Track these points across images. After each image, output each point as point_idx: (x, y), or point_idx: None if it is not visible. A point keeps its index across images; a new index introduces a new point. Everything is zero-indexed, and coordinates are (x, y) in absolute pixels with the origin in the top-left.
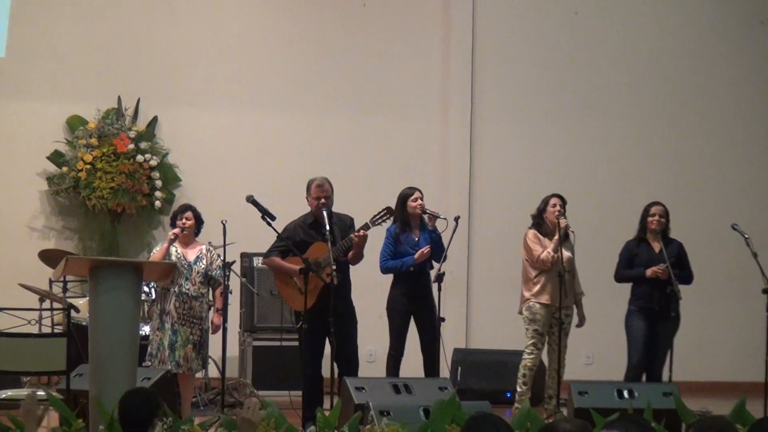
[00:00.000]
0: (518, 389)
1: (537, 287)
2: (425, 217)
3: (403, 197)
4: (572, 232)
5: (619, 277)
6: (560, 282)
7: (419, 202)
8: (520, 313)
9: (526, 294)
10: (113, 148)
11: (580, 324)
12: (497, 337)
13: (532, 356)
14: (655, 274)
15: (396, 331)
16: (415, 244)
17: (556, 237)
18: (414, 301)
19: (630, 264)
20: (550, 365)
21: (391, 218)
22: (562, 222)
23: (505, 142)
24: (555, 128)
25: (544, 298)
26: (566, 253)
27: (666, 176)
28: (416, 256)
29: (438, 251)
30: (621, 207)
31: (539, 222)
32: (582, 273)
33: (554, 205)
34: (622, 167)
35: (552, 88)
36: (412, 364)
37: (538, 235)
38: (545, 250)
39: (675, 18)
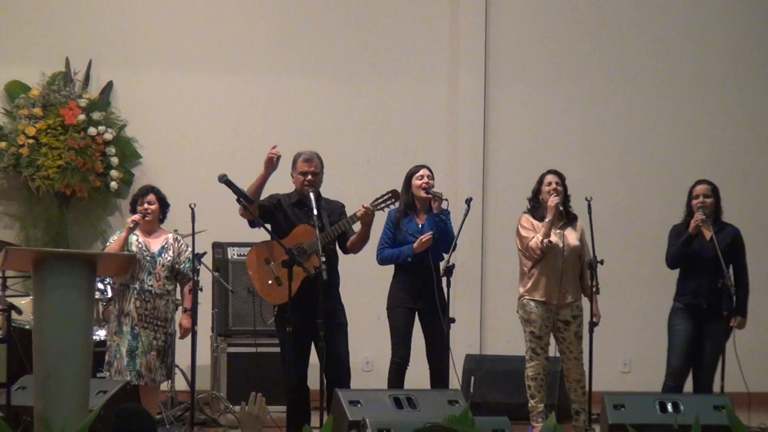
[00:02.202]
0: (529, 404)
1: (530, 282)
2: (428, 196)
3: (409, 175)
4: (562, 209)
5: (670, 260)
6: (591, 275)
7: (425, 180)
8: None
9: (521, 290)
10: (60, 119)
11: (595, 322)
12: (517, 342)
13: (531, 364)
14: (696, 222)
15: (397, 333)
16: (417, 230)
17: (546, 220)
18: (418, 298)
19: None
20: (569, 375)
21: (395, 203)
22: (552, 201)
23: (524, 112)
24: (582, 97)
25: (538, 295)
26: (572, 240)
27: (711, 151)
28: (415, 244)
29: (446, 240)
30: (660, 187)
31: (535, 205)
32: (615, 265)
33: (549, 184)
34: (659, 141)
35: (579, 50)
36: (417, 372)
37: (532, 219)
38: (535, 236)
39: None
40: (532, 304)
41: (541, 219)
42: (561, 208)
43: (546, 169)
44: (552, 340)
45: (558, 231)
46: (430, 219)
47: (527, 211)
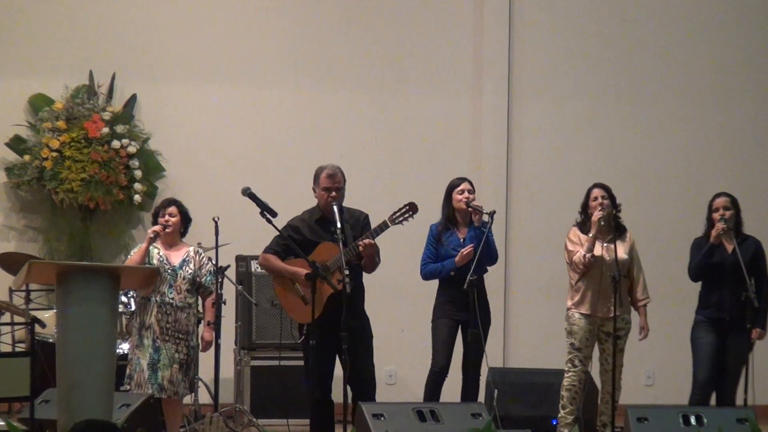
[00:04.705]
0: (559, 414)
1: (578, 295)
2: (469, 210)
3: (449, 188)
4: (604, 223)
5: (693, 273)
6: (614, 288)
7: (465, 195)
8: None
9: (568, 302)
10: (84, 132)
11: (643, 336)
12: (541, 354)
13: (568, 375)
14: (718, 231)
15: (438, 343)
16: (458, 244)
17: (591, 234)
18: (463, 310)
19: None
20: (603, 387)
21: (414, 215)
22: (596, 216)
23: (547, 127)
24: (605, 112)
25: (584, 308)
26: (619, 253)
27: (732, 163)
28: (457, 258)
29: (488, 252)
30: (684, 199)
31: (584, 219)
32: None
33: (595, 198)
34: (681, 155)
35: (602, 65)
36: (449, 384)
37: (579, 233)
38: (579, 251)
39: None
40: (577, 315)
41: (588, 232)
42: (603, 222)
43: (570, 182)
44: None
45: (605, 244)
46: (471, 232)
47: (576, 225)
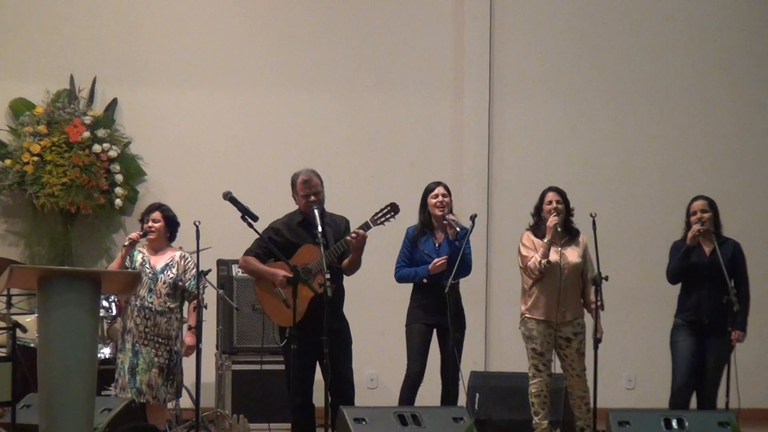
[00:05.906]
0: (533, 421)
1: (530, 300)
2: (444, 223)
3: (425, 193)
4: (560, 230)
5: (671, 275)
6: (596, 291)
7: (439, 198)
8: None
9: (522, 308)
10: (65, 136)
11: (599, 339)
12: (521, 359)
13: (534, 381)
14: (693, 233)
15: (412, 349)
16: (433, 250)
17: (546, 240)
18: (436, 314)
19: None
20: (573, 392)
21: (395, 216)
22: (551, 221)
23: (529, 127)
24: (586, 114)
25: (538, 313)
26: (572, 258)
27: (713, 165)
28: (429, 267)
29: (462, 263)
30: (663, 203)
31: (537, 222)
32: (619, 281)
33: (549, 202)
34: (662, 158)
35: (583, 68)
36: (428, 389)
37: (533, 237)
38: (534, 256)
39: None
40: (533, 321)
41: (542, 237)
42: (559, 230)
43: (551, 185)
44: (555, 357)
45: (558, 249)
46: (447, 239)
47: (529, 228)
